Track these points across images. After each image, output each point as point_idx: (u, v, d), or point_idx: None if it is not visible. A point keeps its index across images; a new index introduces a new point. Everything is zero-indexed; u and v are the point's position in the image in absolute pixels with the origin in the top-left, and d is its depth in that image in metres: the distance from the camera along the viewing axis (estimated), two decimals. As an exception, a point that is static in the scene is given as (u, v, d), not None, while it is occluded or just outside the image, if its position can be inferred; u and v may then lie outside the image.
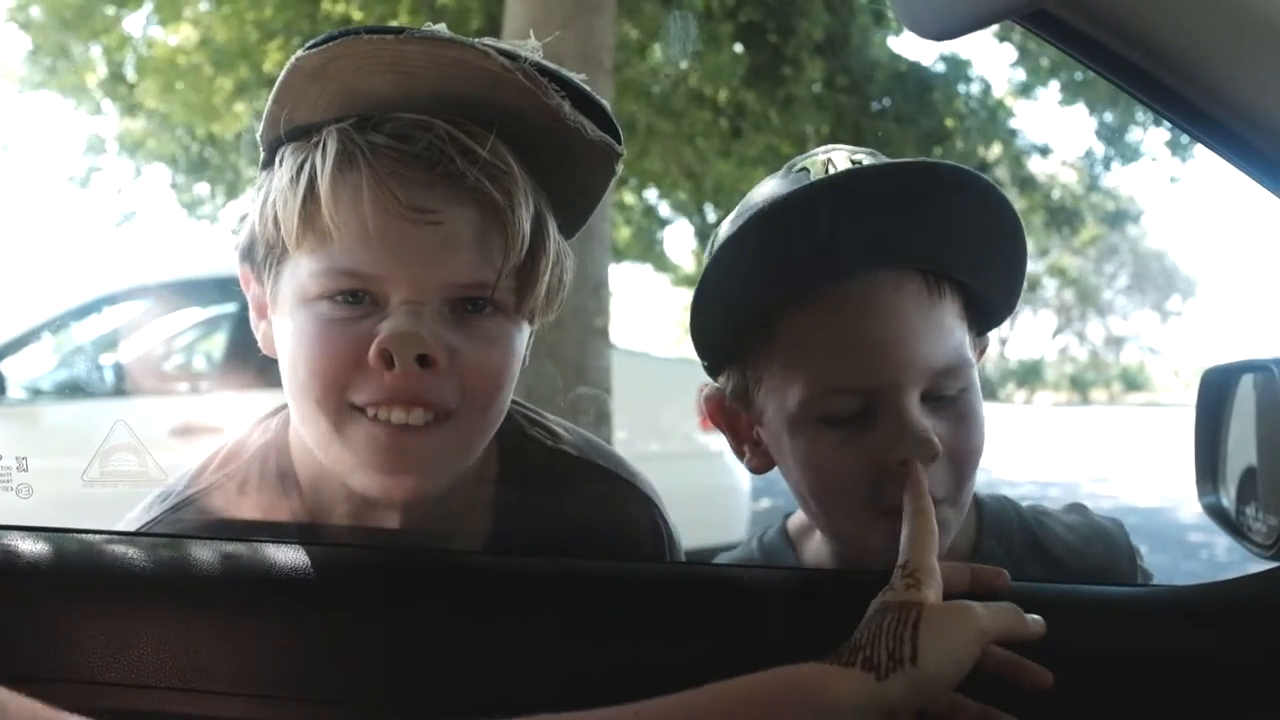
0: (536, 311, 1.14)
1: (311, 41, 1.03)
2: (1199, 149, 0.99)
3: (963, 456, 1.13)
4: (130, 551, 1.05)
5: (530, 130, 1.07)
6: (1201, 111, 0.93)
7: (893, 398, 1.09)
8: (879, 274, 1.11)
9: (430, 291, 1.03)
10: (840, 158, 1.13)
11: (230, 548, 1.07)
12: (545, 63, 1.06)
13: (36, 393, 5.65)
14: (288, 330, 1.07)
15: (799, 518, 1.32)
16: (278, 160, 1.08)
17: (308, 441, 1.11)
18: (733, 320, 1.17)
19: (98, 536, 1.07)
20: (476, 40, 1.04)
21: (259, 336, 1.16)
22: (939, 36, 0.59)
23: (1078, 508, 1.31)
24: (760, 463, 1.22)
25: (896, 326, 1.09)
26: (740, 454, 1.25)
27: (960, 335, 1.14)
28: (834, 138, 10.73)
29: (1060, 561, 1.24)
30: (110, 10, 9.88)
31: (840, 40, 9.98)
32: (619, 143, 1.12)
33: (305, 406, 1.07)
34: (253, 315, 1.16)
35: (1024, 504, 1.31)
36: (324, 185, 1.01)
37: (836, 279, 1.10)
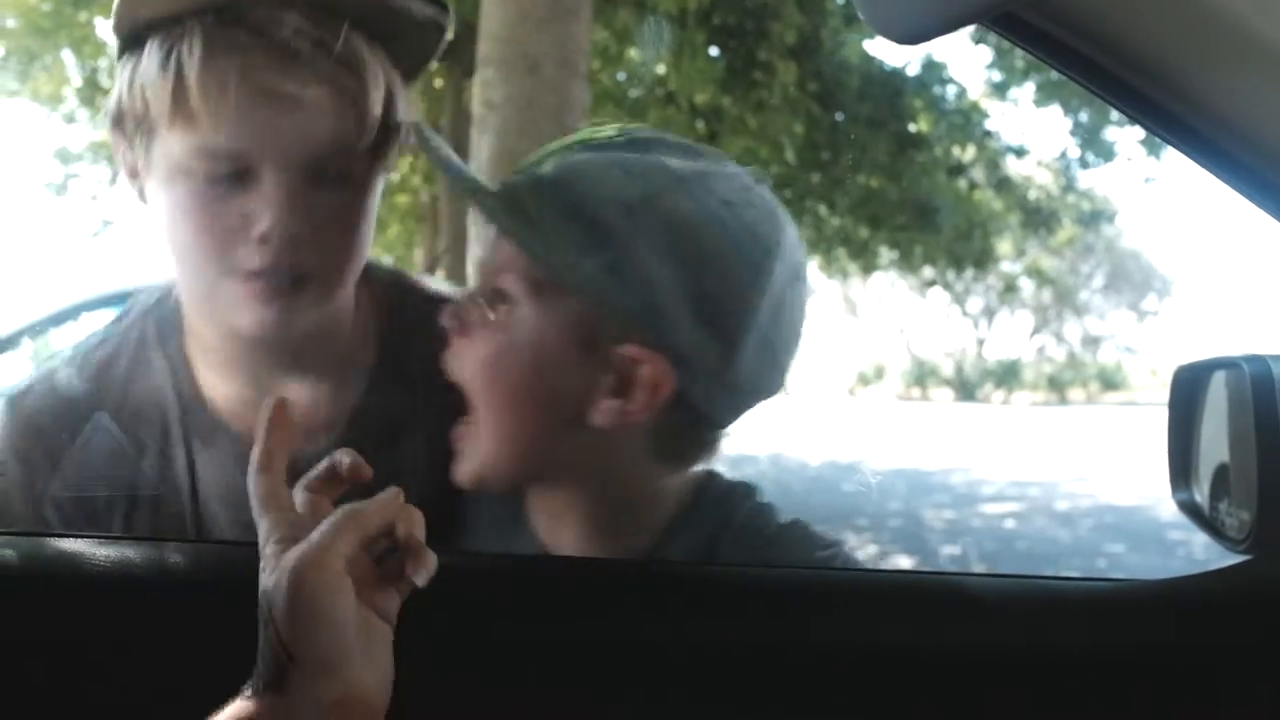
0: (387, 167, 1.26)
1: None
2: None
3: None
4: (112, 554, 1.04)
5: (367, 15, 1.18)
6: (1171, 114, 0.93)
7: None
8: None
9: (291, 159, 1.14)
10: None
11: (211, 550, 1.07)
12: None
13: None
14: (164, 200, 1.19)
15: None
16: (146, 49, 1.16)
17: (186, 303, 1.26)
18: None
19: (77, 541, 1.06)
20: None
21: (135, 193, 1.25)
22: (906, 40, 0.59)
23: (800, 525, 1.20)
24: None
25: None
26: None
27: None
28: (808, 141, 10.78)
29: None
30: (83, 16, 9.83)
31: (813, 44, 10.01)
32: (446, 13, 1.24)
33: (185, 271, 1.20)
34: (125, 174, 1.25)
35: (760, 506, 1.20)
36: (192, 74, 1.11)
37: None
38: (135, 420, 1.28)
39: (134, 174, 1.24)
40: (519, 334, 1.07)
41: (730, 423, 1.13)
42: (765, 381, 1.11)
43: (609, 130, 1.13)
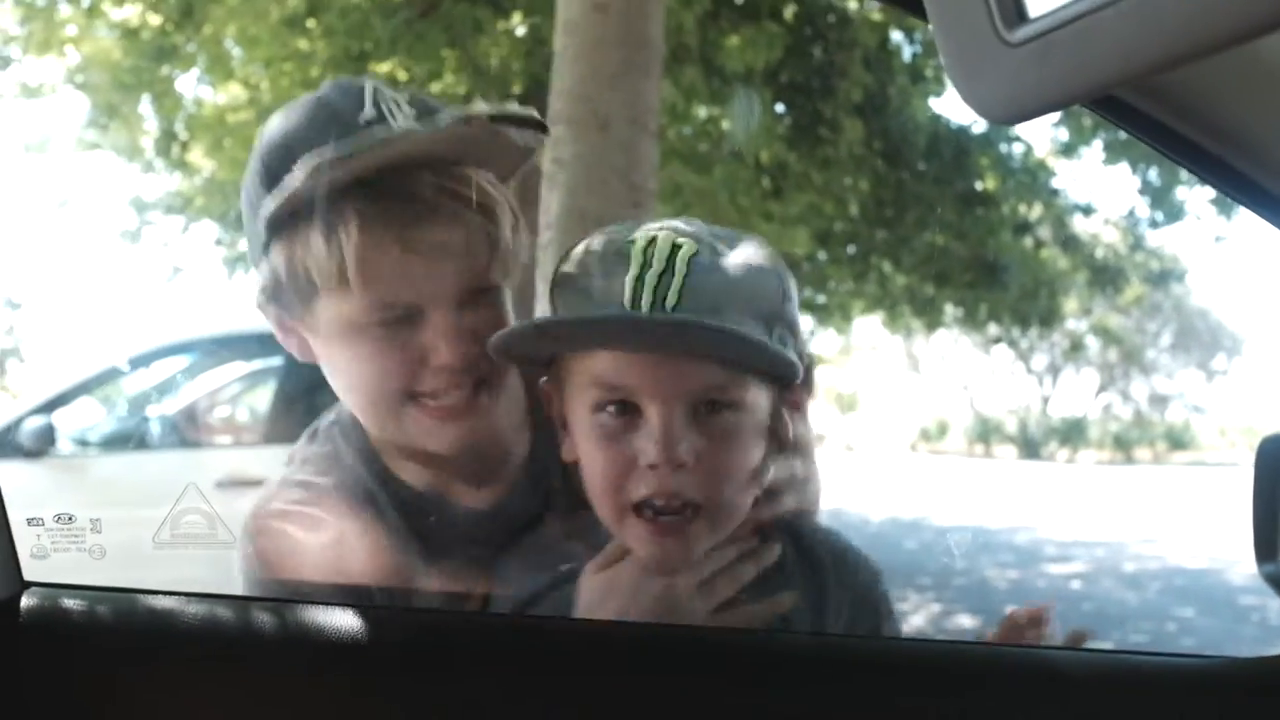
0: (510, 271, 1.40)
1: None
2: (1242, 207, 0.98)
3: None
4: (200, 612, 1.06)
5: (484, 156, 1.36)
6: (1270, 193, 0.92)
7: None
8: None
9: (451, 297, 1.31)
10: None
11: (298, 610, 1.08)
12: (484, 111, 1.32)
13: (85, 444, 5.71)
14: (338, 349, 1.35)
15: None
16: (301, 231, 1.29)
17: (371, 428, 1.40)
18: None
19: (167, 599, 1.08)
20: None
21: (293, 350, 1.40)
22: (1006, 121, 0.59)
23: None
24: None
25: None
26: None
27: None
28: (874, 198, 10.76)
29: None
30: (164, 70, 10.07)
31: (880, 101, 10.02)
32: (543, 130, 1.39)
33: (370, 405, 1.36)
34: (279, 335, 1.41)
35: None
36: (352, 247, 1.26)
37: None
38: (350, 507, 1.40)
39: (288, 332, 1.40)
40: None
41: None
42: None
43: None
